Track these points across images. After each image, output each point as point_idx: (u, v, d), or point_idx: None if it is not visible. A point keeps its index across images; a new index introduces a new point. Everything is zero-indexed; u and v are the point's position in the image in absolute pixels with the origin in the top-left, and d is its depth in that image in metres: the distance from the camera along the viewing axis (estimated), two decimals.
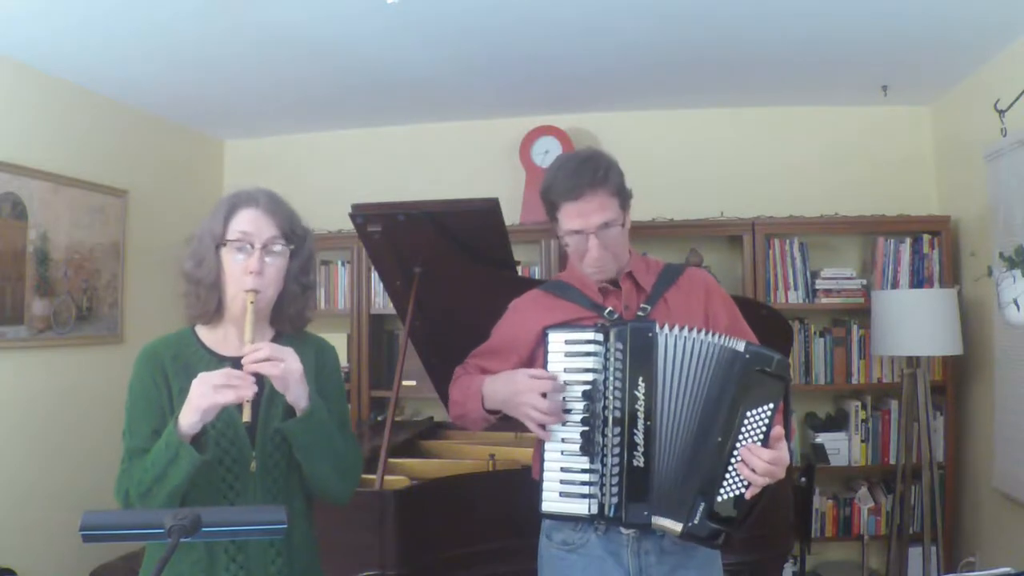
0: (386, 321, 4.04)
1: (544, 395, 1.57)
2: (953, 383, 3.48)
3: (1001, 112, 2.90)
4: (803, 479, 3.11)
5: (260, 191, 1.53)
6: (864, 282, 3.63)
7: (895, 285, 3.58)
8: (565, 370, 1.60)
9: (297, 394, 1.41)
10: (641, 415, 1.54)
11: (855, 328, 3.61)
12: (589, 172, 1.63)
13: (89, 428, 3.31)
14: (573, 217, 1.64)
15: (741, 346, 1.52)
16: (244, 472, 1.44)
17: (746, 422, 1.48)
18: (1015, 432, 2.96)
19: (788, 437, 1.50)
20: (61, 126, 3.29)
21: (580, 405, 1.58)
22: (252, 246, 1.46)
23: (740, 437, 1.48)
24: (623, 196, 1.68)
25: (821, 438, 3.60)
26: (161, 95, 3.60)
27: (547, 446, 1.62)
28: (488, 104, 3.91)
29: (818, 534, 3.57)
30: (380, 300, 3.88)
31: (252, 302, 1.43)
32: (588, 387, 1.58)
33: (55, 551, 3.10)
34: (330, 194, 3.69)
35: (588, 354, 1.58)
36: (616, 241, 1.67)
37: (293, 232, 1.52)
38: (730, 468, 1.49)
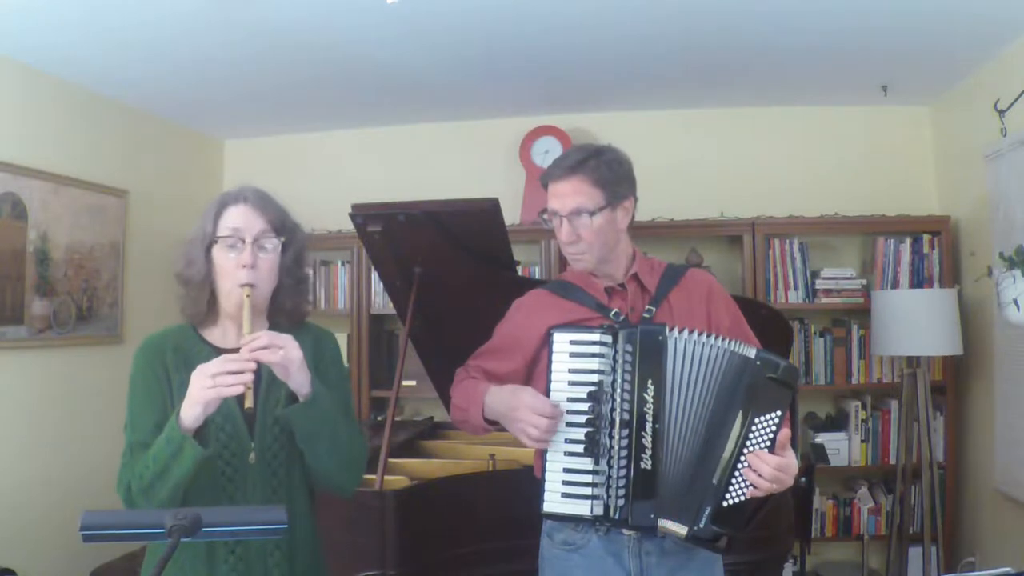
0: (386, 321, 4.04)
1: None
2: (953, 383, 3.48)
3: (1001, 112, 2.90)
4: (803, 479, 3.11)
5: (248, 188, 1.53)
6: (864, 282, 3.63)
7: (895, 285, 3.58)
8: (570, 371, 1.59)
9: (299, 381, 1.40)
10: (650, 418, 1.54)
11: (855, 328, 3.61)
12: (573, 158, 1.66)
13: (89, 428, 3.30)
14: (551, 199, 1.68)
15: (752, 353, 1.52)
16: (243, 464, 1.43)
17: (754, 428, 1.48)
18: (1015, 432, 2.96)
19: (795, 443, 1.50)
20: (61, 126, 3.29)
21: (585, 406, 1.57)
22: (243, 241, 1.46)
23: (748, 443, 1.48)
24: (611, 189, 1.65)
25: (821, 438, 3.60)
26: (161, 95, 3.60)
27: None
28: (488, 104, 3.90)
29: (818, 534, 3.57)
30: (380, 300, 3.88)
31: (248, 295, 1.43)
32: (593, 388, 1.56)
33: (55, 551, 3.10)
34: (330, 194, 3.68)
35: (594, 355, 1.57)
36: (593, 231, 1.65)
37: (284, 225, 1.52)
38: (737, 473, 1.48)
